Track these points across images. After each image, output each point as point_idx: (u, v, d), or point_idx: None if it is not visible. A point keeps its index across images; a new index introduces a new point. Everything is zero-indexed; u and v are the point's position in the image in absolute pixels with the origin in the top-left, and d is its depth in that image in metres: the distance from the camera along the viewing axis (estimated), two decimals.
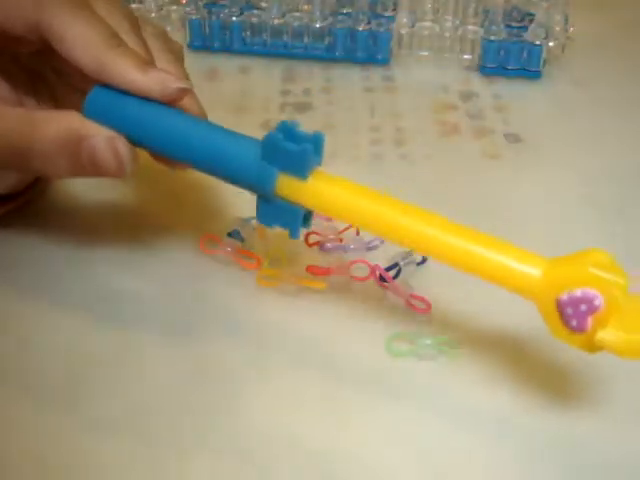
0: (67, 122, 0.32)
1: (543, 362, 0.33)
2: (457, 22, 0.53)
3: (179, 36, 0.54)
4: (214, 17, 0.54)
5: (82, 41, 0.32)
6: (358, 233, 0.39)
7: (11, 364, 0.33)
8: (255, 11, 0.54)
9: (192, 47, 0.55)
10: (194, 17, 0.54)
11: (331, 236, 0.38)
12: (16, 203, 0.39)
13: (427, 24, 0.53)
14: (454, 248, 0.30)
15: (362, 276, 0.37)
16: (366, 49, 0.53)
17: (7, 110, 0.33)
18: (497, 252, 0.29)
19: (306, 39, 0.54)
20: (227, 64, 0.54)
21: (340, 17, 0.54)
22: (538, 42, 0.51)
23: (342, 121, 0.49)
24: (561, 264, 0.29)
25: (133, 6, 0.56)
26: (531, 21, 0.53)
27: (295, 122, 0.31)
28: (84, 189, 0.42)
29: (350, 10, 0.54)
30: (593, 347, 0.28)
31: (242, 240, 0.38)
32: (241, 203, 0.41)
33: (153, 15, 0.56)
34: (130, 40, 0.33)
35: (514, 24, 0.53)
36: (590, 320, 0.28)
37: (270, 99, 0.51)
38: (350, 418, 0.31)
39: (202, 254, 0.38)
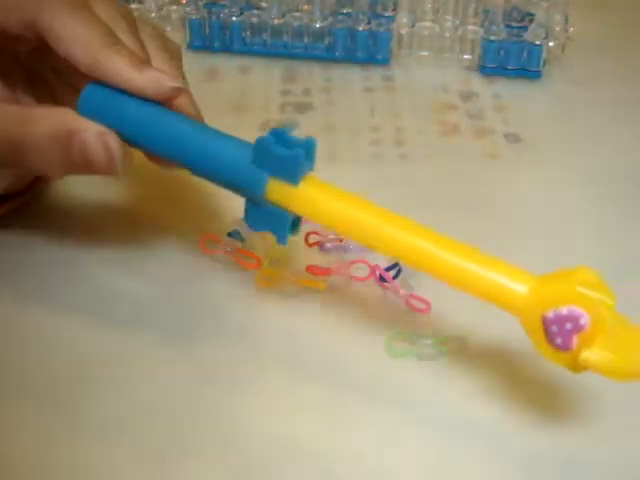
0: (59, 117, 0.32)
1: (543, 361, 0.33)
2: (457, 22, 0.53)
3: (179, 36, 0.54)
4: (214, 17, 0.54)
5: (78, 39, 0.32)
6: None
7: (12, 365, 0.33)
8: (255, 11, 0.54)
9: (192, 47, 0.55)
10: (194, 17, 0.54)
11: (331, 236, 0.38)
12: (15, 203, 0.39)
13: (427, 24, 0.53)
14: (443, 262, 0.30)
15: (362, 276, 0.37)
16: (366, 49, 0.53)
17: (1, 107, 0.33)
18: (485, 267, 0.29)
19: (306, 39, 0.54)
20: (227, 64, 0.54)
21: (340, 17, 0.54)
22: (538, 42, 0.51)
23: (342, 121, 0.49)
24: (548, 282, 0.29)
25: (133, 6, 0.56)
26: (531, 21, 0.53)
27: (287, 127, 0.31)
28: (83, 189, 0.42)
29: (350, 10, 0.54)
30: (578, 366, 0.28)
31: (242, 240, 0.38)
32: (241, 203, 0.41)
33: (153, 15, 0.56)
34: (127, 39, 0.33)
35: (514, 24, 0.53)
36: (575, 339, 0.27)
37: (270, 99, 0.51)
38: (350, 418, 0.31)
39: (202, 254, 0.38)
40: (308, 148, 0.31)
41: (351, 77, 0.53)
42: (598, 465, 0.30)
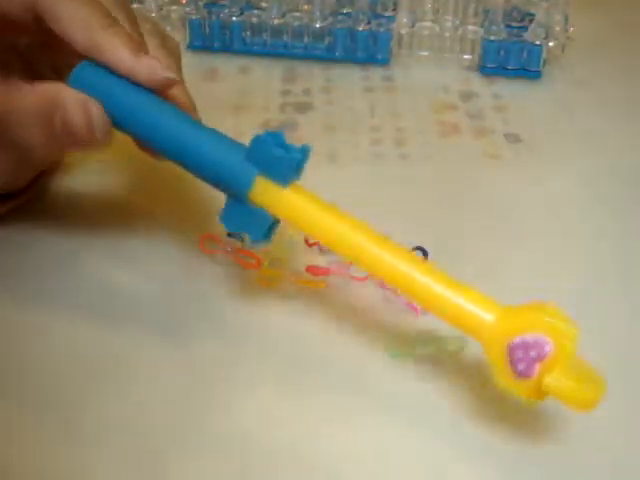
0: (45, 90, 0.32)
1: None
2: (457, 22, 0.53)
3: (179, 36, 0.54)
4: (214, 17, 0.54)
5: (77, 19, 0.32)
6: None
7: (12, 362, 0.33)
8: (255, 11, 0.54)
9: (192, 47, 0.55)
10: (194, 17, 0.54)
11: None
12: (18, 201, 0.39)
13: (427, 24, 0.53)
14: (416, 283, 0.30)
15: (362, 276, 0.37)
16: (366, 49, 0.53)
17: None
18: (455, 293, 0.30)
19: (306, 39, 0.54)
20: (227, 64, 0.54)
21: (340, 17, 0.54)
22: (538, 42, 0.51)
23: (342, 121, 0.49)
24: (516, 311, 0.29)
25: (133, 6, 0.56)
26: (531, 21, 0.53)
27: (282, 132, 0.31)
28: (84, 187, 0.42)
29: (350, 10, 0.54)
30: (537, 394, 0.28)
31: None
32: None
33: (153, 15, 0.56)
34: (126, 27, 0.34)
35: (514, 24, 0.53)
36: (537, 367, 0.28)
37: (270, 99, 0.51)
38: (350, 418, 0.31)
39: (202, 254, 0.38)
40: (303, 154, 0.31)
41: (351, 77, 0.53)
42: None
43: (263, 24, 0.54)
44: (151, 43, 0.35)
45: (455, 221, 0.41)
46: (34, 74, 0.37)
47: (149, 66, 0.32)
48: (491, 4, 0.52)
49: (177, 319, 0.35)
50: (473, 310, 0.29)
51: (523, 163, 0.46)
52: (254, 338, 0.34)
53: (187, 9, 0.55)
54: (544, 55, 0.52)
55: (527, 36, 0.52)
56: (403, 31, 0.53)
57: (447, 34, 0.53)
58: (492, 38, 0.52)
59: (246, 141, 0.32)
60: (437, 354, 0.33)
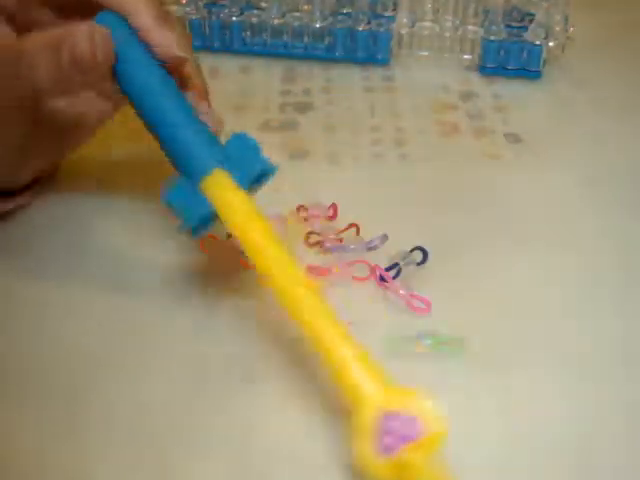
0: (53, 30, 0.33)
1: (543, 358, 0.33)
2: (457, 22, 0.53)
3: None
4: (214, 17, 0.54)
5: None
6: (358, 233, 0.39)
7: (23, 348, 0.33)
8: (255, 11, 0.54)
9: (192, 47, 0.55)
10: (194, 17, 0.54)
11: (331, 236, 0.38)
12: (19, 202, 0.39)
13: (427, 24, 0.53)
14: (311, 319, 0.29)
15: (362, 276, 0.37)
16: (366, 49, 0.53)
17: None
18: (353, 353, 0.29)
19: (306, 39, 0.54)
20: (227, 64, 0.54)
21: (340, 17, 0.54)
22: (538, 42, 0.51)
23: (342, 121, 0.49)
24: (401, 391, 0.28)
25: None
26: (531, 21, 0.53)
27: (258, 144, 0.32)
28: (87, 187, 0.42)
29: (350, 10, 0.54)
30: (389, 474, 0.27)
31: None
32: None
33: None
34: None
35: (514, 24, 0.53)
36: (401, 446, 0.27)
37: (270, 99, 0.51)
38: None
39: (202, 254, 0.38)
40: (269, 169, 0.32)
41: (351, 77, 0.53)
42: None
43: (263, 24, 0.54)
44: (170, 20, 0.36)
45: (455, 221, 0.41)
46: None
47: (166, 38, 0.34)
48: (491, 4, 0.52)
49: (177, 319, 0.35)
50: (365, 371, 0.28)
51: (523, 163, 0.46)
52: (254, 338, 0.34)
53: (187, 9, 0.55)
54: (544, 55, 0.52)
55: (527, 36, 0.52)
56: (403, 31, 0.53)
57: (447, 34, 0.53)
58: (492, 38, 0.52)
59: None
60: (438, 352, 0.33)
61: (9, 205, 0.39)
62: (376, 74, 0.54)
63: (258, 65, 0.54)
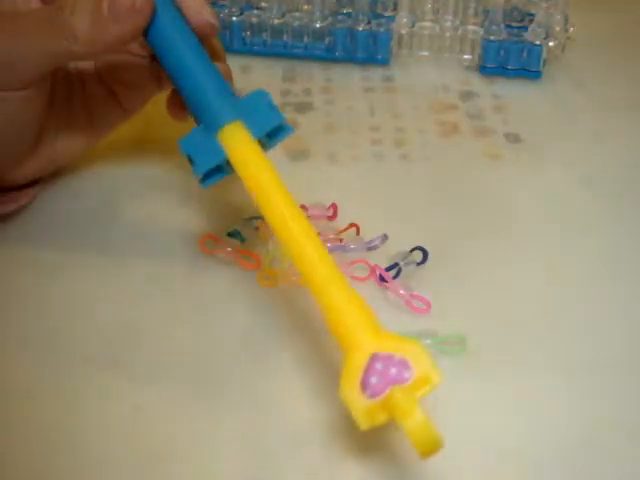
0: None
1: (544, 358, 0.33)
2: (457, 22, 0.53)
3: None
4: None
5: None
6: (358, 233, 0.39)
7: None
8: (255, 11, 0.54)
9: None
10: None
11: (331, 236, 0.38)
12: (19, 203, 0.39)
13: (427, 24, 0.53)
14: (312, 266, 0.29)
15: (362, 276, 0.37)
16: (366, 49, 0.53)
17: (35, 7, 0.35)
18: (353, 297, 0.28)
19: (306, 39, 0.54)
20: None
21: (340, 17, 0.54)
22: (538, 42, 0.51)
23: (342, 121, 0.49)
24: (396, 337, 0.28)
25: None
26: (531, 21, 0.52)
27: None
28: (87, 191, 0.42)
29: (350, 10, 0.54)
30: (373, 417, 0.26)
31: (242, 240, 0.38)
32: (241, 203, 0.41)
33: None
34: None
35: (514, 24, 0.53)
36: (388, 389, 0.26)
37: None
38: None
39: (202, 254, 0.38)
40: (286, 127, 0.33)
41: (351, 77, 0.53)
42: None
43: (263, 24, 0.54)
44: None
45: (455, 221, 0.41)
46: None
47: (199, 3, 0.34)
48: (491, 4, 0.52)
49: (176, 318, 0.35)
50: (359, 312, 0.28)
51: (523, 163, 0.46)
52: (254, 338, 0.34)
53: None
54: (544, 55, 0.52)
55: (527, 36, 0.52)
56: (403, 31, 0.53)
57: (447, 34, 0.53)
58: (492, 38, 0.52)
59: None
60: (438, 352, 0.33)
61: (10, 207, 0.39)
62: (376, 74, 0.54)
63: (258, 65, 0.54)
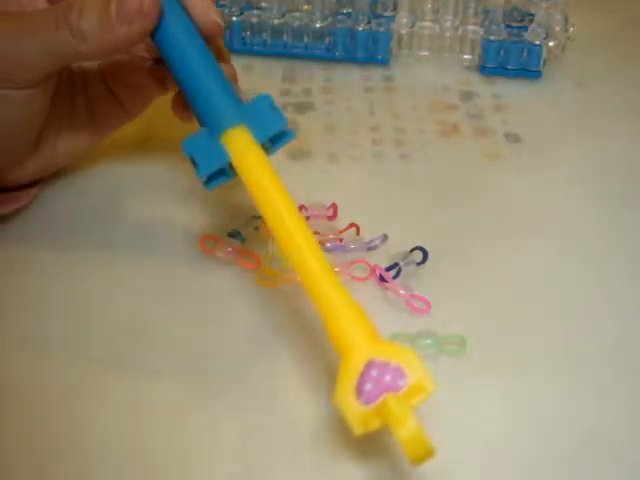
0: None
1: (544, 358, 0.33)
2: (457, 22, 0.53)
3: None
4: None
5: None
6: (358, 233, 0.39)
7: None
8: (255, 11, 0.54)
9: None
10: None
11: (331, 236, 0.38)
12: (20, 203, 0.39)
13: (427, 24, 0.53)
14: (311, 272, 0.29)
15: (362, 276, 0.37)
16: (366, 49, 0.53)
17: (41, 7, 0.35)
18: (350, 303, 0.29)
19: (306, 39, 0.54)
20: None
21: (340, 17, 0.54)
22: (538, 42, 0.51)
23: (342, 121, 0.49)
24: (391, 345, 0.28)
25: None
26: (531, 21, 0.52)
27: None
28: (88, 191, 0.42)
29: (350, 10, 0.54)
30: (366, 424, 0.27)
31: (242, 240, 0.38)
32: (242, 203, 0.41)
33: None
34: None
35: (514, 24, 0.53)
36: (382, 396, 0.26)
37: None
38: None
39: (202, 254, 0.38)
40: (289, 132, 0.33)
41: (351, 77, 0.53)
42: None
43: (263, 24, 0.54)
44: None
45: (455, 221, 0.41)
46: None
47: (206, 3, 0.34)
48: (491, 4, 0.52)
49: (176, 318, 0.35)
50: (357, 322, 0.28)
51: (523, 163, 0.46)
52: (254, 338, 0.34)
53: None
54: (544, 55, 0.52)
55: (527, 36, 0.52)
56: (403, 31, 0.53)
57: (447, 34, 0.53)
58: (492, 38, 0.52)
59: None
60: (438, 352, 0.33)
61: (11, 207, 0.39)
62: (376, 74, 0.54)
63: (258, 65, 0.54)
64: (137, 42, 0.34)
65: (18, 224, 0.39)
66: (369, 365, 0.27)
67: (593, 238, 0.40)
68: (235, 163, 0.32)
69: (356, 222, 0.39)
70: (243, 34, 0.54)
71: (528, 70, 0.52)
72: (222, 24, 0.36)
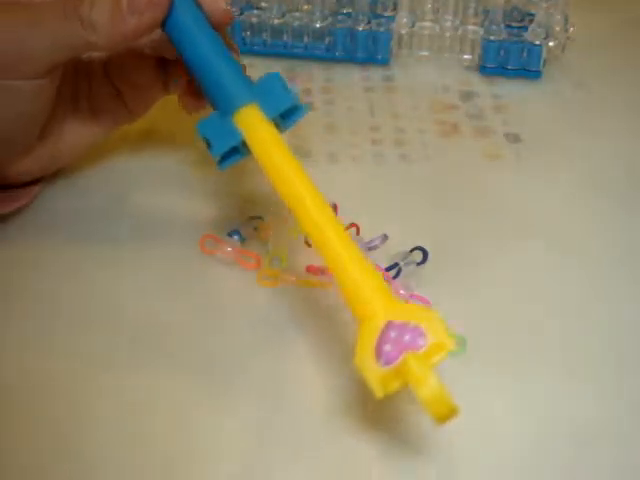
0: None
1: (544, 358, 0.33)
2: (457, 22, 0.53)
3: None
4: None
5: None
6: (358, 233, 0.39)
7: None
8: (255, 11, 0.54)
9: None
10: None
11: None
12: (20, 203, 0.39)
13: (427, 24, 0.53)
14: (327, 239, 0.30)
15: None
16: (366, 49, 0.53)
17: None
18: (366, 267, 0.29)
19: (306, 39, 0.54)
20: None
21: (340, 17, 0.54)
22: (538, 42, 0.51)
23: (342, 121, 0.49)
24: (410, 306, 0.28)
25: None
26: (531, 21, 0.52)
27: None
28: (88, 190, 0.42)
29: (350, 10, 0.54)
30: (387, 384, 0.27)
31: (242, 240, 0.38)
32: (242, 203, 0.41)
33: None
34: None
35: (514, 24, 0.53)
36: (402, 356, 0.26)
37: None
38: (351, 418, 0.31)
39: (202, 254, 0.38)
40: (301, 105, 0.35)
41: (351, 77, 0.53)
42: None
43: (263, 24, 0.54)
44: None
45: (455, 221, 0.41)
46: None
47: None
48: (491, 4, 0.52)
49: (176, 318, 0.35)
50: (373, 283, 0.29)
51: (523, 163, 0.46)
52: (254, 338, 0.34)
53: None
54: (544, 55, 0.52)
55: (527, 36, 0.52)
56: (403, 31, 0.53)
57: (447, 34, 0.53)
58: (492, 38, 0.52)
59: None
60: None
61: (11, 207, 0.39)
62: (376, 74, 0.54)
63: (258, 65, 0.54)
64: (148, 33, 0.34)
65: (19, 223, 0.39)
66: (388, 326, 0.27)
67: (593, 238, 0.40)
68: (248, 140, 0.32)
69: (356, 222, 0.39)
70: (243, 34, 0.54)
71: (528, 70, 0.52)
72: (231, 12, 0.36)
